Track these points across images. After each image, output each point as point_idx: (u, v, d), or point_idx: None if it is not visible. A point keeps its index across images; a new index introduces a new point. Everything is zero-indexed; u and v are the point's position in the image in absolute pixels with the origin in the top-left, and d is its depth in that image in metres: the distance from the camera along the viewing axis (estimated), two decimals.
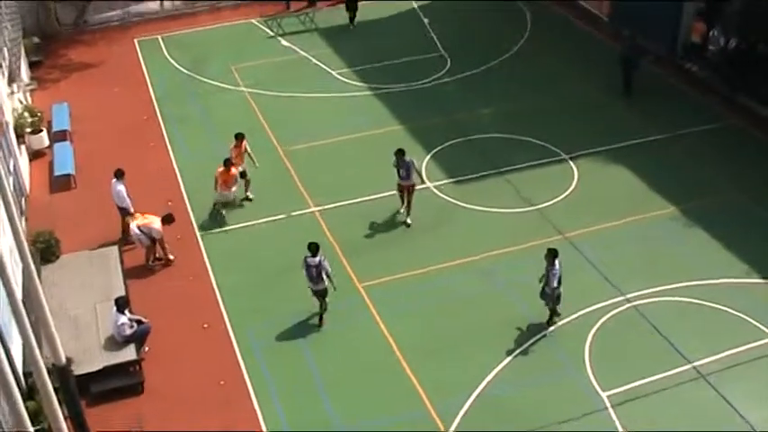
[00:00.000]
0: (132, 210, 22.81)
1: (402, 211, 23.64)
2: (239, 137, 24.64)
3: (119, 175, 23.04)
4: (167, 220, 22.07)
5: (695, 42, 31.20)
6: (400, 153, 23.12)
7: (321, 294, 19.96)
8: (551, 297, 19.51)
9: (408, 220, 23.42)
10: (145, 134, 28.61)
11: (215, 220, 23.85)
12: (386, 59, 33.27)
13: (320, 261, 19.57)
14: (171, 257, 22.34)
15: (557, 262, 19.21)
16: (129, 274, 21.58)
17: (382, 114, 29.38)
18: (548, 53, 33.38)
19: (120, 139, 28.15)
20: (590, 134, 27.51)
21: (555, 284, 19.22)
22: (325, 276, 19.67)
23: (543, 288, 19.54)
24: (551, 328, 19.75)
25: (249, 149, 24.84)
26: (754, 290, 20.74)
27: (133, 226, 21.81)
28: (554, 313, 19.81)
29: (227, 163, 23.56)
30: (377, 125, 28.64)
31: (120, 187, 22.86)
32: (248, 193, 24.69)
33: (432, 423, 17.48)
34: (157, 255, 22.32)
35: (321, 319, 20.21)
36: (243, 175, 24.52)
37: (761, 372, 18.40)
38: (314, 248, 19.68)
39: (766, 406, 17.56)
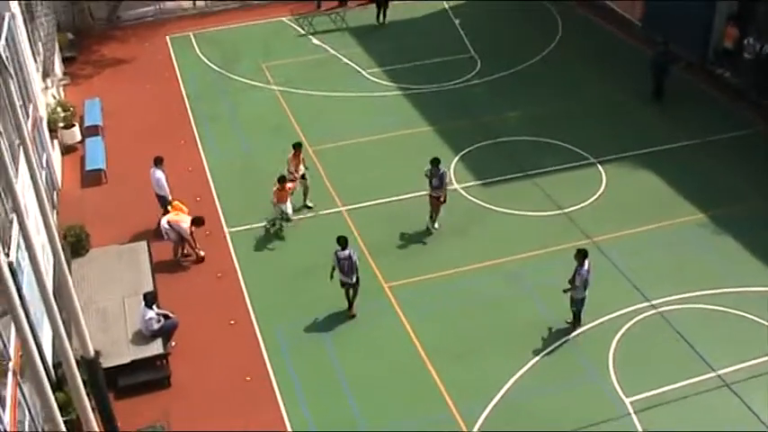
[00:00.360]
0: (170, 197, 23.14)
1: (432, 218, 23.50)
2: (297, 146, 24.14)
3: (158, 162, 23.38)
4: (197, 222, 22.27)
5: (727, 48, 31.01)
6: (436, 162, 22.94)
7: (354, 286, 20.23)
8: (573, 299, 19.50)
9: (436, 225, 23.38)
10: (176, 131, 28.85)
11: (271, 234, 23.52)
12: (416, 60, 33.35)
13: (350, 254, 19.83)
14: (202, 254, 22.52)
15: (586, 263, 19.16)
16: (158, 269, 21.79)
17: (411, 115, 29.45)
18: (578, 57, 33.31)
19: (151, 136, 28.38)
20: (619, 139, 27.44)
21: (577, 284, 19.17)
22: (355, 267, 19.98)
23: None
24: (575, 333, 19.74)
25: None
26: None
27: (163, 221, 22.05)
28: (576, 318, 19.80)
29: (282, 180, 23.15)
30: (406, 126, 28.71)
31: (160, 174, 23.23)
32: (308, 202, 24.49)
33: (455, 424, 17.53)
34: (186, 251, 22.52)
35: (351, 306, 20.50)
36: (303, 177, 24.23)
37: None
38: (343, 242, 19.92)
39: None
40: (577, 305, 19.61)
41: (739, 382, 18.32)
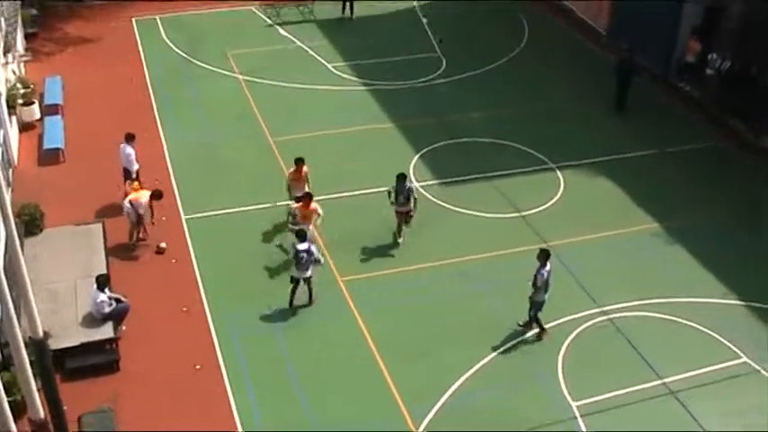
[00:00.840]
0: (134, 175, 23.29)
1: (400, 237, 22.85)
2: (299, 162, 22.58)
3: (129, 138, 23.52)
4: (156, 195, 22.22)
5: (690, 62, 31.41)
6: (402, 178, 22.25)
7: (306, 281, 20.15)
8: (532, 301, 19.48)
9: (399, 240, 22.74)
10: (137, 114, 28.58)
11: (282, 249, 22.50)
12: (381, 56, 33.39)
13: (309, 247, 19.76)
14: (163, 245, 22.25)
15: (548, 264, 19.18)
16: (112, 252, 21.61)
17: (374, 111, 29.49)
18: (543, 62, 33.54)
19: (111, 117, 28.10)
20: (579, 145, 27.69)
21: (539, 284, 19.12)
22: (313, 262, 19.88)
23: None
24: (527, 335, 19.88)
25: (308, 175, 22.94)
26: (730, 311, 20.94)
27: (126, 201, 21.87)
28: (533, 320, 19.86)
29: (306, 197, 21.53)
30: (368, 121, 28.76)
31: (130, 150, 23.38)
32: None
33: (403, 423, 17.57)
34: (141, 236, 22.37)
35: (298, 299, 20.35)
36: (299, 199, 22.12)
37: (730, 392, 18.59)
38: (302, 235, 19.85)
39: (731, 426, 17.74)
40: (535, 308, 19.62)
41: (684, 390, 18.58)
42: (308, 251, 19.80)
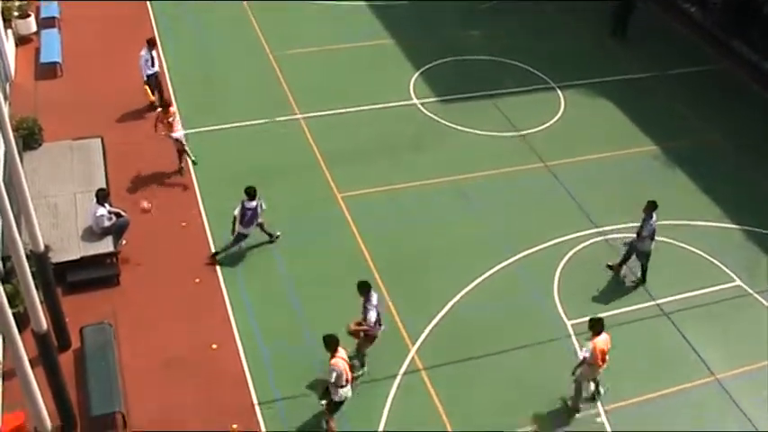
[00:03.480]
0: (144, 78, 23.59)
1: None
2: None
3: (147, 43, 23.77)
4: (163, 107, 21.81)
5: None
6: (364, 287, 16.50)
7: (242, 237, 19.48)
8: (638, 250, 19.15)
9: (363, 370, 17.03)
10: (135, 29, 28.19)
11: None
12: None
13: (256, 205, 19.25)
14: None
15: (654, 214, 18.83)
16: (112, 167, 21.56)
17: (376, 27, 29.24)
18: None
19: (109, 33, 27.86)
20: (581, 65, 27.54)
21: (644, 234, 18.76)
22: (258, 219, 19.35)
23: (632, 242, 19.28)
24: (522, 254, 19.99)
25: None
26: (726, 234, 21.09)
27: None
28: (645, 272, 19.47)
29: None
30: (369, 37, 28.53)
31: (142, 52, 23.59)
32: None
33: (399, 339, 17.83)
34: (182, 164, 22.19)
35: (219, 251, 19.53)
36: None
37: (722, 314, 18.85)
38: (252, 192, 19.22)
39: (722, 347, 18.04)
40: (641, 258, 19.34)
41: (676, 312, 18.83)
42: (254, 210, 19.22)
